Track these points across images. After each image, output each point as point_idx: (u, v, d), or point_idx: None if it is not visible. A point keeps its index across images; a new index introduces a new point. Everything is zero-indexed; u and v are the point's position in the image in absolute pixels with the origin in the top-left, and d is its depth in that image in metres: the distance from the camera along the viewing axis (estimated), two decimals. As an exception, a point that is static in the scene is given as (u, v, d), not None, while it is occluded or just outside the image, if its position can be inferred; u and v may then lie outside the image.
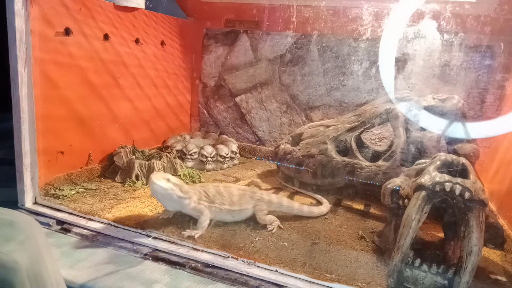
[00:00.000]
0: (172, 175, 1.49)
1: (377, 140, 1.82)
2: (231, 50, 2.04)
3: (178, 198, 1.09)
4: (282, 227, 1.18)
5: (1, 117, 1.44)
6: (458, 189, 0.86)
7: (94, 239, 1.04)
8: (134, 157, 1.55)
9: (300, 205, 1.27)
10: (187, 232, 1.07)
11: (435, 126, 1.36)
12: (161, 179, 1.07)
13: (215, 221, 1.17)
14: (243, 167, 1.83)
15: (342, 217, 1.30)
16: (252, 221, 1.18)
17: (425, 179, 0.90)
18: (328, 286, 0.89)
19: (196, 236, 1.06)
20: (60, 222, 1.11)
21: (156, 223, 1.13)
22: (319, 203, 1.41)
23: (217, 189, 1.19)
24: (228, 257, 0.97)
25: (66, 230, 1.08)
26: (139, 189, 1.40)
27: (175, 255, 0.98)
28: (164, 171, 1.49)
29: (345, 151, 1.51)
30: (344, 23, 1.64)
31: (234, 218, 1.18)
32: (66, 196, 1.25)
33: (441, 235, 1.06)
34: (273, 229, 1.15)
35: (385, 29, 1.37)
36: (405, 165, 1.32)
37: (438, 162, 0.95)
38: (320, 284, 0.89)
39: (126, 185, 1.42)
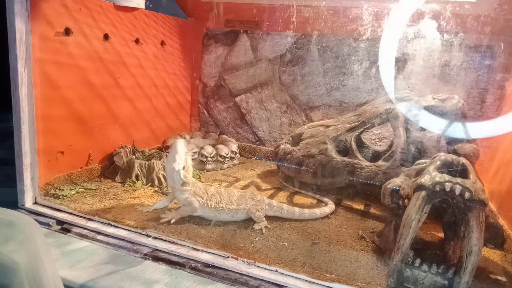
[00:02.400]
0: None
1: (377, 140, 1.82)
2: (231, 50, 2.04)
3: (178, 178, 1.12)
4: (269, 226, 1.17)
5: (1, 117, 1.44)
6: (458, 189, 0.86)
7: (94, 239, 1.04)
8: (134, 157, 1.55)
9: (301, 209, 1.25)
10: (164, 216, 1.13)
11: (435, 126, 1.36)
12: (182, 153, 1.13)
13: (216, 221, 1.18)
14: (243, 167, 1.83)
15: (342, 217, 1.30)
16: (252, 222, 1.18)
17: (425, 179, 0.90)
18: (328, 286, 0.89)
19: (172, 222, 1.12)
20: (60, 222, 1.11)
21: (156, 223, 1.13)
22: (319, 202, 1.41)
23: (217, 190, 1.20)
24: (228, 257, 0.97)
25: (66, 230, 1.08)
26: (139, 189, 1.40)
27: (175, 255, 0.98)
28: (164, 171, 1.49)
29: (345, 151, 1.51)
30: (344, 23, 1.64)
31: (234, 218, 1.18)
32: (66, 196, 1.25)
33: (441, 235, 1.06)
34: (260, 228, 1.15)
35: (385, 29, 1.37)
36: (405, 165, 1.32)
37: (438, 162, 0.95)
38: (320, 284, 0.89)
39: (126, 185, 1.42)
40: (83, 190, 1.33)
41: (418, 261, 0.88)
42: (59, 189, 1.27)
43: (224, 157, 1.76)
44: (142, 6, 1.60)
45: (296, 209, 1.25)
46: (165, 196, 1.34)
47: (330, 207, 1.31)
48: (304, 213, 1.24)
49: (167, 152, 1.64)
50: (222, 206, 1.16)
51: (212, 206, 1.15)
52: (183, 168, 1.14)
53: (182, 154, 1.14)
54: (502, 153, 1.44)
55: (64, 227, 1.09)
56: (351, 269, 0.97)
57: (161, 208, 1.23)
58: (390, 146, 1.47)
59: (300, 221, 1.24)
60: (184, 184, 1.14)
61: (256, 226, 1.15)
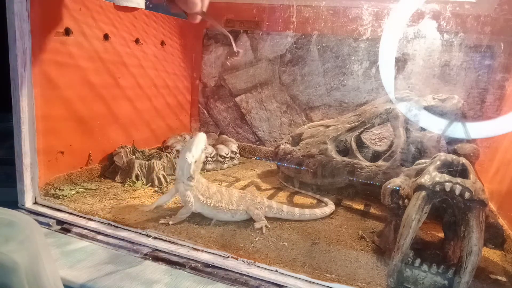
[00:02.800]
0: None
1: (377, 140, 1.82)
2: (231, 50, 2.04)
3: (187, 170, 1.12)
4: (269, 226, 1.17)
5: (1, 117, 1.44)
6: (458, 189, 0.86)
7: (94, 239, 1.04)
8: (134, 157, 1.55)
9: (301, 209, 1.26)
10: (164, 220, 1.13)
11: (435, 126, 1.36)
12: (200, 148, 1.14)
13: (216, 220, 1.18)
14: (243, 167, 1.83)
15: (342, 217, 1.30)
16: (252, 222, 1.18)
17: (425, 179, 0.90)
18: (328, 286, 0.89)
19: (170, 223, 1.12)
20: (60, 222, 1.11)
21: (156, 223, 1.13)
22: (319, 202, 1.41)
23: (218, 189, 1.20)
24: (228, 257, 0.97)
25: (66, 230, 1.08)
26: (139, 189, 1.40)
27: (175, 255, 0.98)
28: (164, 171, 1.49)
29: (345, 151, 1.51)
30: (344, 23, 1.64)
31: (234, 218, 1.18)
32: (66, 196, 1.25)
33: (441, 235, 1.06)
34: (260, 228, 1.15)
35: (385, 29, 1.37)
36: (405, 165, 1.32)
37: (438, 162, 0.95)
38: (320, 284, 0.89)
39: (126, 185, 1.42)
40: (83, 190, 1.33)
41: (418, 261, 0.88)
42: (59, 189, 1.27)
43: (224, 157, 1.76)
44: (142, 6, 1.59)
45: (296, 209, 1.24)
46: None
47: (330, 207, 1.31)
48: (304, 213, 1.24)
49: (167, 152, 1.64)
50: (222, 206, 1.16)
51: (212, 204, 1.15)
52: (195, 163, 1.14)
53: (199, 149, 1.15)
54: (502, 153, 1.44)
55: (64, 227, 1.09)
56: (351, 269, 0.97)
57: (162, 204, 1.23)
58: (390, 146, 1.47)
59: (300, 221, 1.24)
60: (189, 178, 1.13)
61: (257, 225, 1.15)
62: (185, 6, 0.93)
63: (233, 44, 1.19)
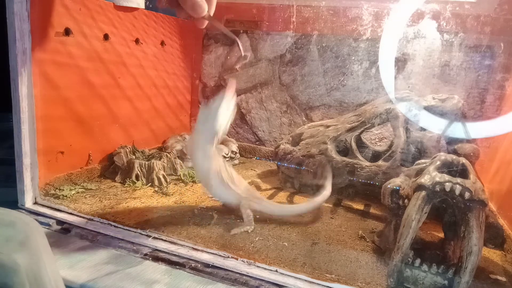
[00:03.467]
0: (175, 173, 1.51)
1: (377, 140, 1.82)
2: (231, 50, 2.04)
3: (210, 140, 1.09)
4: (253, 227, 1.15)
5: (1, 117, 1.44)
6: (458, 189, 0.86)
7: (94, 239, 1.04)
8: (134, 157, 1.55)
9: (281, 205, 1.27)
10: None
11: (435, 126, 1.36)
12: (228, 114, 1.10)
13: (216, 219, 1.18)
14: (243, 167, 1.83)
15: (342, 217, 1.30)
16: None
17: (425, 179, 0.90)
18: (328, 286, 0.89)
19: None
20: (60, 222, 1.11)
21: (156, 223, 1.12)
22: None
23: (221, 164, 1.19)
24: (228, 257, 0.97)
25: (66, 230, 1.08)
26: (139, 189, 1.40)
27: (175, 255, 0.98)
28: (164, 171, 1.49)
29: (345, 151, 1.51)
30: (344, 23, 1.64)
31: (237, 200, 1.19)
32: (66, 196, 1.25)
33: (441, 235, 1.06)
34: (247, 230, 1.13)
35: (385, 29, 1.37)
36: (405, 165, 1.32)
37: (438, 162, 0.95)
38: (320, 284, 0.89)
39: (126, 185, 1.42)
40: (83, 190, 1.33)
41: (418, 261, 0.88)
42: (59, 189, 1.27)
43: (224, 157, 1.76)
44: (142, 6, 1.60)
45: (277, 205, 1.27)
46: (165, 196, 1.34)
47: (324, 194, 1.29)
48: (282, 209, 1.26)
49: (167, 152, 1.64)
50: (228, 183, 1.16)
51: (224, 179, 1.15)
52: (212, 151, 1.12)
53: (227, 116, 1.11)
54: (502, 153, 1.44)
55: (64, 227, 1.09)
56: (351, 269, 0.97)
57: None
58: (390, 146, 1.47)
59: (300, 219, 1.24)
60: (210, 148, 1.11)
61: (235, 230, 1.11)
62: (192, 11, 0.93)
63: (241, 48, 1.14)
